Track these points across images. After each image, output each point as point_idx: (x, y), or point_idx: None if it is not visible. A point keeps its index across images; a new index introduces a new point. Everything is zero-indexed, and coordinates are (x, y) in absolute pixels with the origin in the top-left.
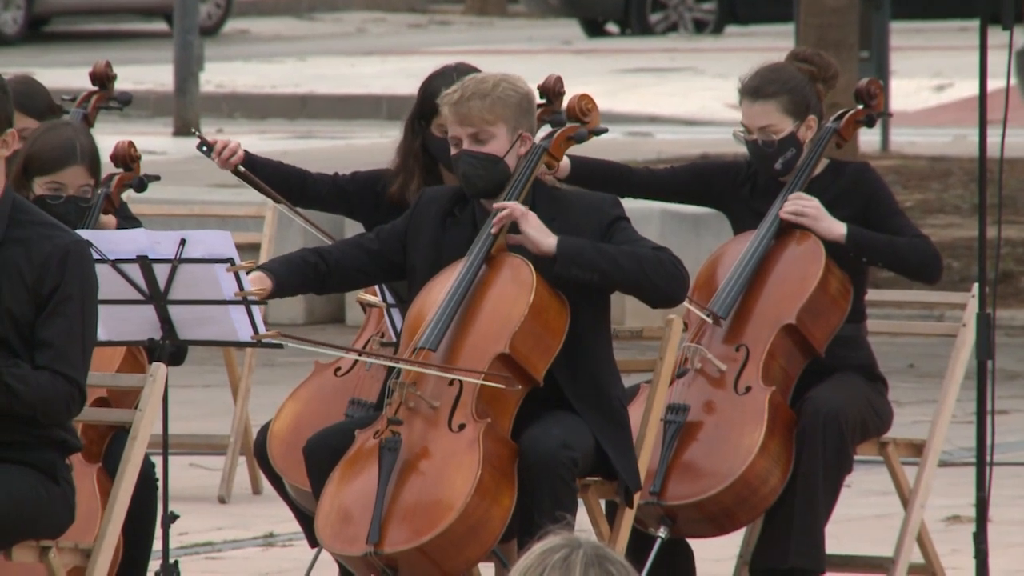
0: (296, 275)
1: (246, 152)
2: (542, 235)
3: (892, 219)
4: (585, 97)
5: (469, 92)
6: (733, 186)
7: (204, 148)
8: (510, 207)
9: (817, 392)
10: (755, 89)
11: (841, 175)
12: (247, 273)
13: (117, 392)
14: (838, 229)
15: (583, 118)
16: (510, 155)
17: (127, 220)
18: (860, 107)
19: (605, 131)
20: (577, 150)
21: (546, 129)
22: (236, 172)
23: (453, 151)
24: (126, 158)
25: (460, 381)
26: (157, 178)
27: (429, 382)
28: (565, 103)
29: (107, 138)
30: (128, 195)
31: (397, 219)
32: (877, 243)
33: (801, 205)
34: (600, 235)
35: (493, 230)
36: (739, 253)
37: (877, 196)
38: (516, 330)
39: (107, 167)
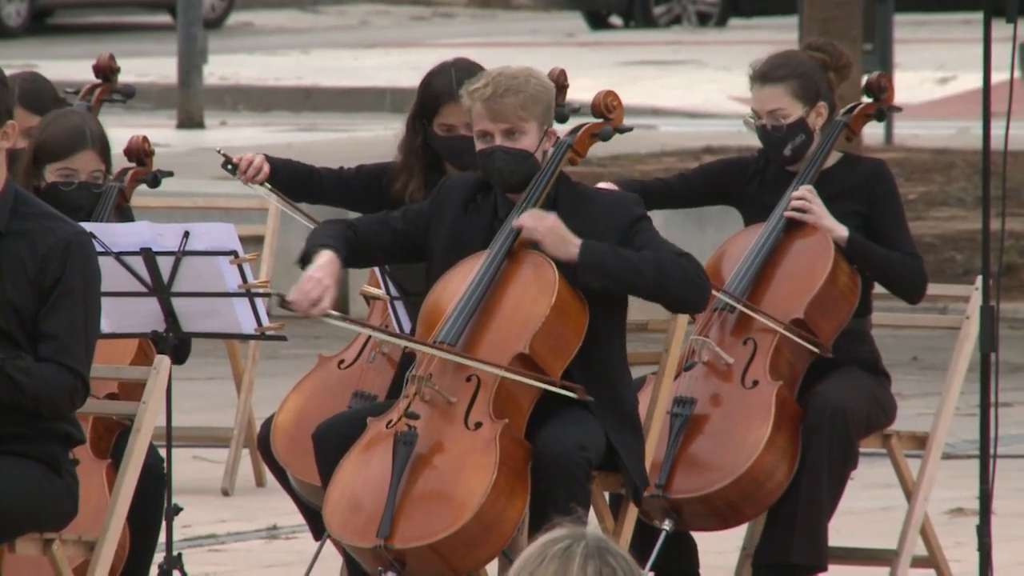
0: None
1: (268, 159)
2: (562, 247)
3: (894, 230)
4: (611, 94)
5: (503, 88)
6: (743, 180)
7: (229, 167)
8: (527, 224)
9: (823, 387)
10: (764, 74)
11: (854, 170)
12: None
13: (128, 387)
14: (839, 231)
15: (608, 115)
16: (539, 151)
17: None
18: (870, 101)
19: (630, 129)
20: (601, 147)
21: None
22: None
23: (481, 145)
24: (140, 153)
25: (477, 377)
26: (170, 174)
27: (446, 376)
28: (591, 99)
29: (111, 130)
30: (139, 189)
31: (423, 201)
32: (874, 255)
33: (805, 203)
34: (622, 234)
35: (515, 225)
36: (746, 245)
37: (886, 199)
38: (537, 330)
39: (121, 161)
